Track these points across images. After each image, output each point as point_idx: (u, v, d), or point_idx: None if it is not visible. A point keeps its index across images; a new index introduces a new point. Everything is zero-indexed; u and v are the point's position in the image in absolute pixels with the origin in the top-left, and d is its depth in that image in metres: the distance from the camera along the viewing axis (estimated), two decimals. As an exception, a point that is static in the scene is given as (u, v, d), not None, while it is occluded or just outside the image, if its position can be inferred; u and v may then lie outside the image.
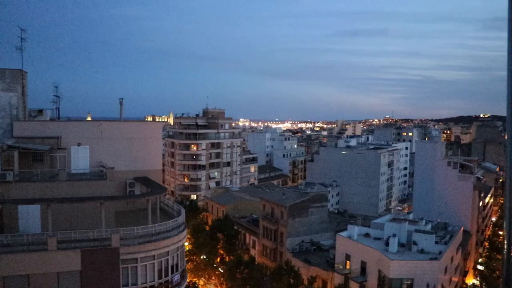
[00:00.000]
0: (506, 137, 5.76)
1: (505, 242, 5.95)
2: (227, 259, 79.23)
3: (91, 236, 31.61)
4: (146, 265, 33.90)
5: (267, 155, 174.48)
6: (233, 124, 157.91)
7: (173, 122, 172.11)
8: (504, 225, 5.83)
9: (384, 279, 55.78)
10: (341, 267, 62.98)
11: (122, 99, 53.55)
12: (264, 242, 79.20)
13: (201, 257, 78.34)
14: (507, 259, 5.97)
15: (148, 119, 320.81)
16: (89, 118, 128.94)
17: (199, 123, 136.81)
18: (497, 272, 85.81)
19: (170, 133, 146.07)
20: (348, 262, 62.66)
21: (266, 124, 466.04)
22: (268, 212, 79.31)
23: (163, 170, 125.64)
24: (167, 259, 35.64)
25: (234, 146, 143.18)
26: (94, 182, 36.69)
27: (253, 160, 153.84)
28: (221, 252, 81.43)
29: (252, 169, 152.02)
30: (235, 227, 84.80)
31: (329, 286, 64.84)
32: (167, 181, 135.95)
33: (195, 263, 77.53)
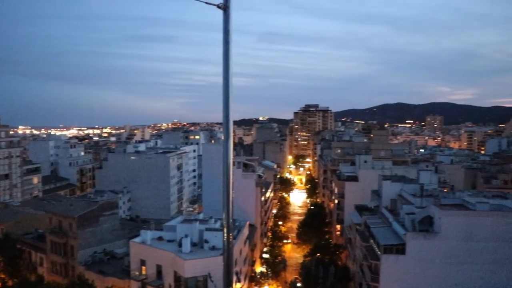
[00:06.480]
0: (222, 138, 6.79)
1: (225, 230, 6.69)
2: (10, 283, 72.49)
3: None
4: None
5: (52, 164, 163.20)
6: (11, 132, 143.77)
7: None
8: (223, 216, 6.65)
9: (180, 279, 57.79)
10: (137, 273, 63.03)
11: None
12: (53, 258, 74.43)
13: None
14: (227, 248, 6.73)
15: None
16: None
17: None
18: (279, 258, 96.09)
19: None
20: (143, 267, 62.99)
21: (49, 131, 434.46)
22: (56, 225, 74.80)
23: None
24: None
25: (12, 156, 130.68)
26: None
27: (36, 170, 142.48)
28: (2, 276, 74.23)
29: (35, 180, 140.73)
30: (18, 246, 77.94)
31: (126, 294, 64.34)
32: None
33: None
